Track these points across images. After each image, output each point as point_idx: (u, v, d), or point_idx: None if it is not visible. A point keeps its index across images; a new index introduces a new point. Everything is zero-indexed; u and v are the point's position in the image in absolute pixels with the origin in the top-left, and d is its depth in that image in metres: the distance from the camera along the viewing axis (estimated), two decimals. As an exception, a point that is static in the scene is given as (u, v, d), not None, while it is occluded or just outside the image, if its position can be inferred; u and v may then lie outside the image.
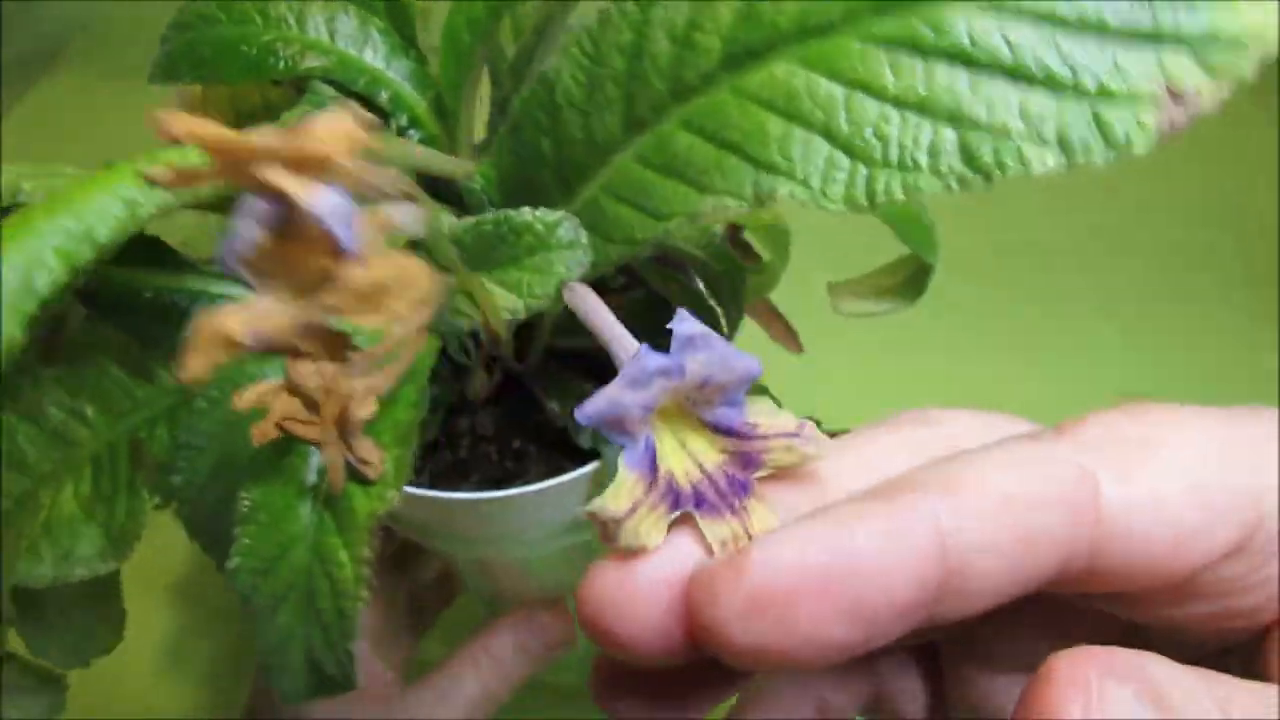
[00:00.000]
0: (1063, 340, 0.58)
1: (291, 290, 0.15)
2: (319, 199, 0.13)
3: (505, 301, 0.23)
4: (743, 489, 0.17)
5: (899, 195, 0.18)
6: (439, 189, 0.27)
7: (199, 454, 0.25)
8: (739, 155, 0.20)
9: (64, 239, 0.17)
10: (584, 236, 0.23)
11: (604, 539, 0.16)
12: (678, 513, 0.17)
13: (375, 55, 0.28)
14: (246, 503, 0.22)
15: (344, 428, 0.22)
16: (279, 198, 0.13)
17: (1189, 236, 0.63)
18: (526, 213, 0.23)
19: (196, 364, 0.14)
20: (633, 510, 0.16)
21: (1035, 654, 0.18)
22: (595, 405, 0.16)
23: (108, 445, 0.28)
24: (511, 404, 0.32)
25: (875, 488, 0.15)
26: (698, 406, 0.18)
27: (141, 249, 0.26)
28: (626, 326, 0.31)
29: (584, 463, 0.29)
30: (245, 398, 0.22)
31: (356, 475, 0.22)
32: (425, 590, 0.44)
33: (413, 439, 0.23)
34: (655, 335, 0.31)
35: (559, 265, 0.23)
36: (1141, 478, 0.15)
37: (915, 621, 0.15)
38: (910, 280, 0.34)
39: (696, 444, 0.18)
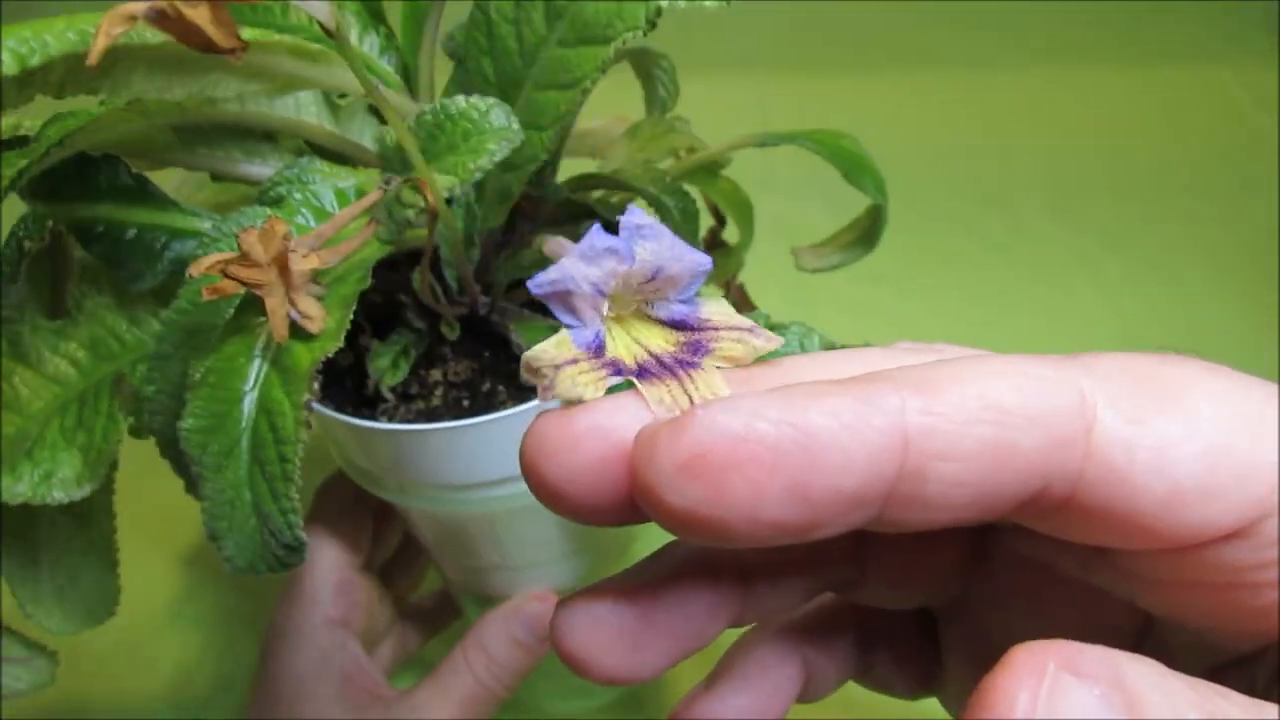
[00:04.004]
0: (1063, 349, 0.59)
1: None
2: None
3: (444, 182, 0.25)
4: (690, 366, 0.17)
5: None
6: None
7: (168, 364, 0.27)
8: (632, -2, 0.22)
9: (18, 42, 0.20)
10: (516, 122, 0.25)
11: (541, 392, 0.16)
12: (618, 378, 0.16)
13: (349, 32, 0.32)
14: (199, 370, 0.24)
15: (287, 281, 0.23)
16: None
17: (1188, 231, 0.63)
18: (460, 100, 0.25)
19: (99, 42, 0.16)
20: (572, 362, 0.17)
21: (1030, 636, 0.18)
22: (547, 275, 0.16)
23: (94, 384, 0.29)
24: (482, 351, 0.33)
25: (848, 378, 0.14)
26: (652, 306, 0.18)
27: (127, 186, 0.29)
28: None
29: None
30: (201, 264, 0.23)
31: (300, 333, 0.24)
32: (419, 607, 0.44)
33: (353, 306, 0.24)
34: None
35: (491, 144, 0.25)
36: (1154, 422, 0.13)
37: (863, 518, 0.13)
38: (867, 230, 0.35)
39: (650, 339, 0.18)
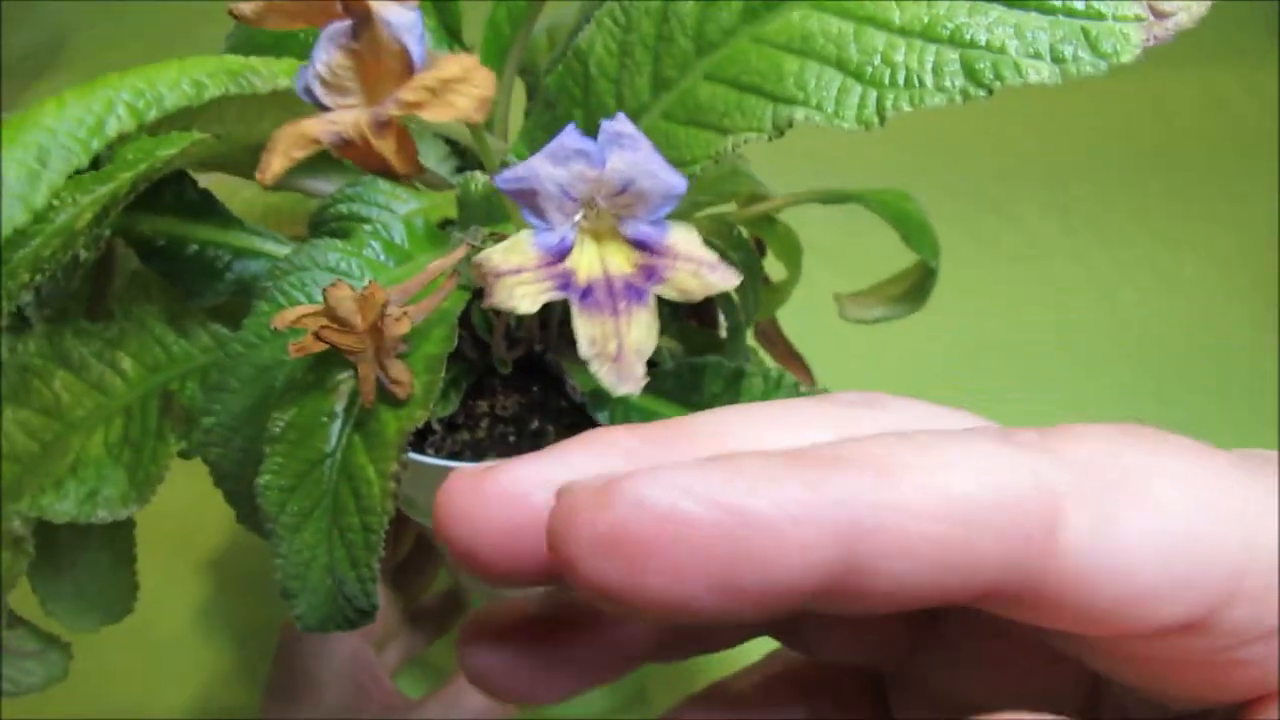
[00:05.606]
0: (1065, 349, 0.58)
1: (365, 100, 0.16)
2: (393, 13, 0.14)
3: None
4: (637, 296, 0.18)
5: (906, 109, 0.19)
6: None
7: (232, 396, 0.26)
8: (757, 94, 0.22)
9: (133, 95, 0.19)
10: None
11: (485, 295, 0.17)
12: (560, 294, 0.17)
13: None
14: (279, 423, 0.23)
15: (379, 345, 0.23)
16: (358, 17, 0.14)
17: (1188, 231, 0.63)
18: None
19: (276, 164, 0.15)
20: (516, 272, 0.17)
21: (981, 696, 0.17)
22: (514, 170, 0.17)
23: (140, 396, 0.29)
24: (532, 386, 0.33)
25: (799, 450, 0.12)
26: (624, 222, 0.18)
27: (192, 202, 0.28)
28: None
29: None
30: (285, 317, 0.23)
31: (387, 397, 0.23)
32: (427, 608, 0.44)
33: (441, 369, 0.24)
34: (676, 318, 0.33)
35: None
36: (1121, 521, 0.12)
37: (790, 608, 0.12)
38: (915, 287, 0.35)
39: (613, 257, 0.18)
